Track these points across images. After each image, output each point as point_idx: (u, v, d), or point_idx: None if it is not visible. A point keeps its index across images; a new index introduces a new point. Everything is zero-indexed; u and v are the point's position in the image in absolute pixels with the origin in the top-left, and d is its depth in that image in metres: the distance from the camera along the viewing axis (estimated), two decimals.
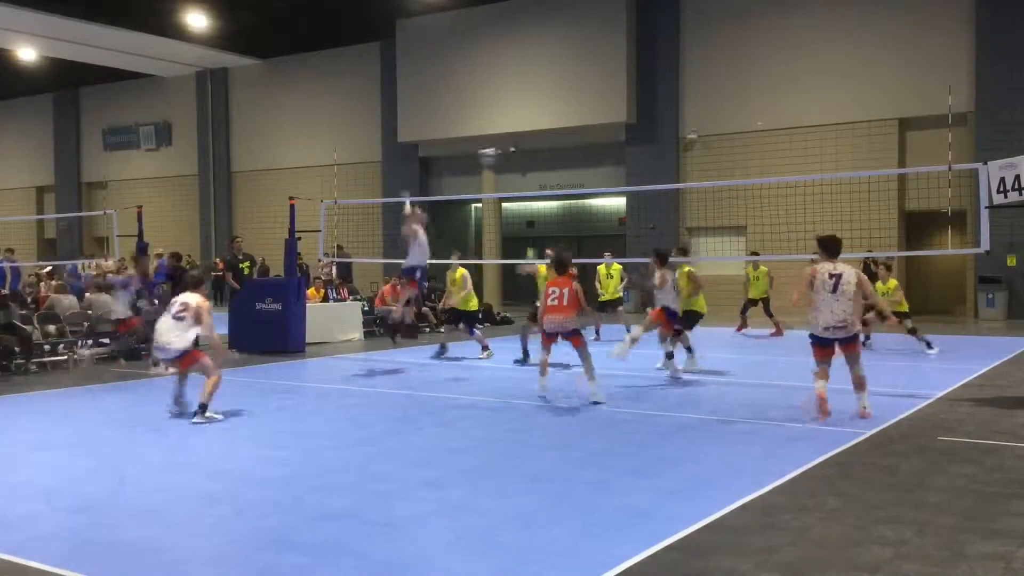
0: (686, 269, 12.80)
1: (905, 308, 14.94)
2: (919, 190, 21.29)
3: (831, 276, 8.72)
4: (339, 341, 17.39)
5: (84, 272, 19.30)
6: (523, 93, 26.70)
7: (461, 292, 14.71)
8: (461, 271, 14.87)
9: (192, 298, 9.36)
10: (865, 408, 8.86)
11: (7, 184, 38.97)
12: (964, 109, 21.52)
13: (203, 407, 9.05)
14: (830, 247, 8.98)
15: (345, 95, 30.88)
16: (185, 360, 9.28)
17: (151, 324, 11.13)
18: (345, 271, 22.89)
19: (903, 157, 22.57)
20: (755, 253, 19.16)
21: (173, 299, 9.73)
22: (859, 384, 8.96)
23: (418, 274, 13.25)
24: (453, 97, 27.71)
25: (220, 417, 9.14)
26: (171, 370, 10.00)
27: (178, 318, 9.25)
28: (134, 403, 10.61)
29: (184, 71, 33.80)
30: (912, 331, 14.66)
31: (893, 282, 15.03)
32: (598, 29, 25.54)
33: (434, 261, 15.27)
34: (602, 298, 17.47)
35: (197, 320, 9.22)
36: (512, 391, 11.00)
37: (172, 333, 9.20)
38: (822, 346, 8.90)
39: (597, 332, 15.96)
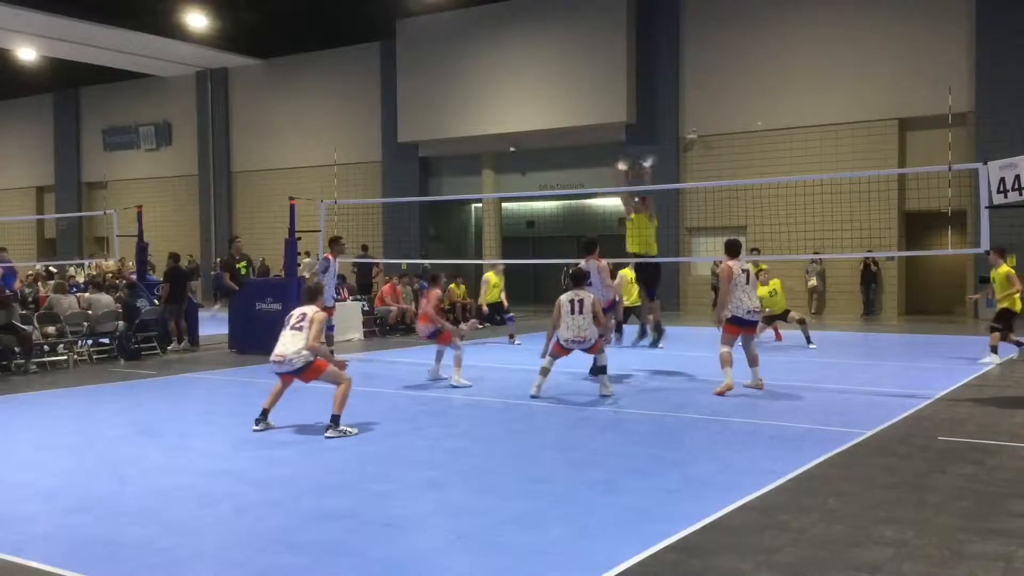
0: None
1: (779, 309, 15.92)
2: (919, 190, 21.30)
3: (743, 271, 10.65)
4: (339, 341, 17.37)
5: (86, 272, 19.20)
6: (523, 93, 26.71)
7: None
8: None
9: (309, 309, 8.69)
10: (760, 381, 10.69)
11: (7, 184, 38.99)
12: (964, 109, 21.53)
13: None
14: (735, 249, 10.95)
15: (345, 95, 30.88)
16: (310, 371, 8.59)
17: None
18: (366, 272, 22.76)
19: (903, 157, 22.58)
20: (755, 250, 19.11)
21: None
22: (754, 360, 10.78)
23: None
24: (453, 97, 27.72)
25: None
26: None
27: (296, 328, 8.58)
28: (134, 403, 10.61)
29: (184, 71, 33.81)
30: (800, 321, 15.91)
31: (775, 283, 15.77)
32: (598, 29, 25.55)
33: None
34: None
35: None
36: (512, 391, 10.99)
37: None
38: (740, 326, 10.71)
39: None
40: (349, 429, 8.37)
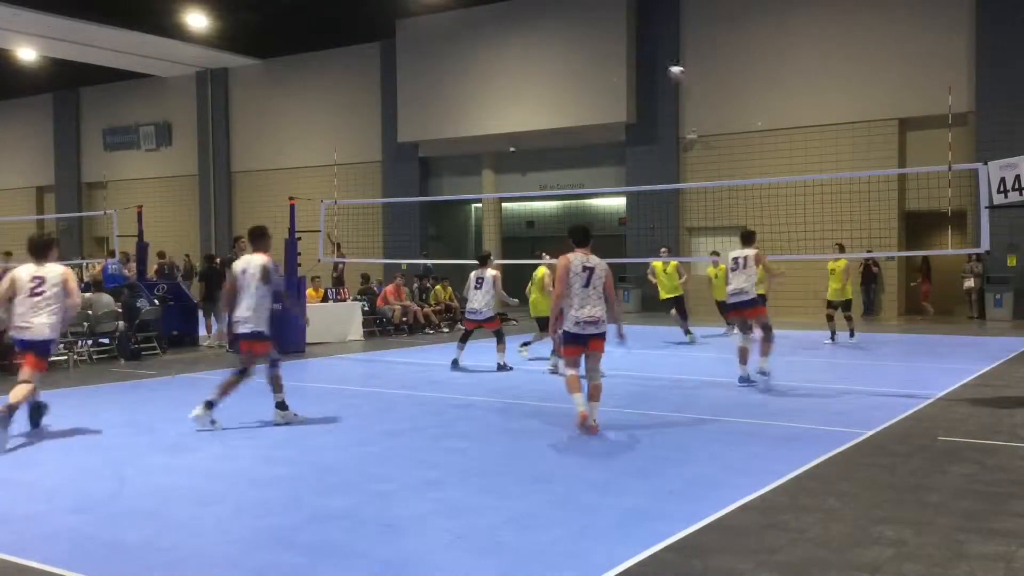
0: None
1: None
2: (919, 190, 21.30)
3: (585, 268, 8.22)
4: (339, 341, 17.40)
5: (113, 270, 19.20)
6: (523, 93, 26.70)
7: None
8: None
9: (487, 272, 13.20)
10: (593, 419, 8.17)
11: (7, 184, 38.99)
12: (964, 109, 21.53)
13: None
14: (581, 237, 8.40)
15: (345, 95, 30.88)
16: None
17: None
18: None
19: (903, 157, 22.57)
20: (715, 253, 19.03)
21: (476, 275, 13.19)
22: (594, 394, 8.25)
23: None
24: (453, 97, 27.72)
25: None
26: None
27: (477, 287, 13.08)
28: (134, 403, 10.61)
29: (184, 71, 33.82)
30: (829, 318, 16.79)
31: (717, 269, 16.90)
32: (598, 29, 25.55)
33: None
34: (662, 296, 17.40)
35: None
36: (512, 391, 11.00)
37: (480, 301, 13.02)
38: (574, 343, 8.25)
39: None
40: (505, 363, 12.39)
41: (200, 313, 17.11)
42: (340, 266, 22.46)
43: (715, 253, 18.93)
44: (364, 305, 19.22)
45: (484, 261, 13.57)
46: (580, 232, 8.42)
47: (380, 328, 19.12)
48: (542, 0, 26.50)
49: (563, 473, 6.87)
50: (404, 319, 19.25)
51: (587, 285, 8.14)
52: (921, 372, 12.53)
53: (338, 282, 21.65)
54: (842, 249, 17.40)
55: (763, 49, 24.03)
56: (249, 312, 8.75)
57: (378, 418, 9.31)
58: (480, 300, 13.11)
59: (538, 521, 5.59)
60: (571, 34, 25.99)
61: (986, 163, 10.48)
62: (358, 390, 11.61)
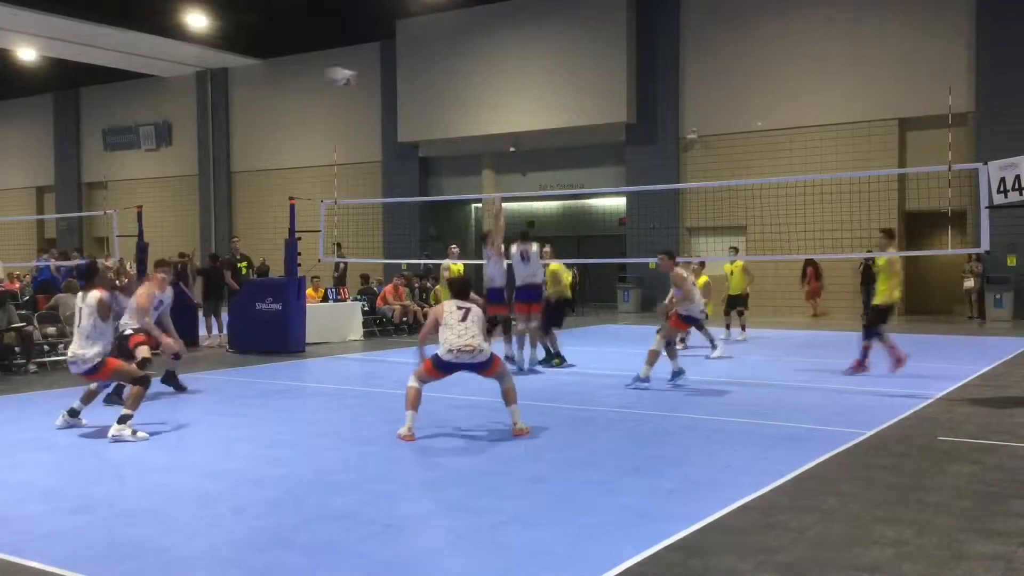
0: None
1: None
2: (919, 190, 21.29)
3: (459, 308, 8.43)
4: (339, 341, 17.39)
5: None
6: (523, 93, 26.71)
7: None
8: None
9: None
10: (517, 424, 8.34)
11: (7, 184, 38.98)
12: (964, 109, 21.53)
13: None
14: (460, 288, 8.79)
15: (345, 95, 30.72)
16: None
17: None
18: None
19: (903, 157, 22.58)
20: (735, 249, 19.44)
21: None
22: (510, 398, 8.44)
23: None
24: (453, 97, 27.72)
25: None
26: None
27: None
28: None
29: (184, 71, 33.81)
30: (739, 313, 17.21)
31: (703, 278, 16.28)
32: (598, 29, 25.55)
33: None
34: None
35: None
36: None
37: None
38: (444, 370, 8.42)
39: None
40: None
41: (200, 313, 17.19)
42: (342, 266, 22.47)
43: (734, 249, 19.40)
44: (364, 305, 19.22)
45: (526, 237, 13.20)
46: (459, 285, 8.87)
47: (380, 328, 19.13)
48: (542, 0, 26.50)
49: (563, 473, 6.86)
50: (404, 319, 19.26)
51: (464, 320, 8.35)
52: (921, 372, 12.53)
53: (339, 282, 21.66)
54: (737, 251, 19.07)
55: (763, 49, 24.03)
56: (83, 350, 8.48)
57: (378, 418, 9.31)
58: (534, 272, 12.92)
59: (538, 521, 5.59)
60: (571, 34, 25.98)
61: (986, 163, 10.48)
62: (358, 390, 11.61)
